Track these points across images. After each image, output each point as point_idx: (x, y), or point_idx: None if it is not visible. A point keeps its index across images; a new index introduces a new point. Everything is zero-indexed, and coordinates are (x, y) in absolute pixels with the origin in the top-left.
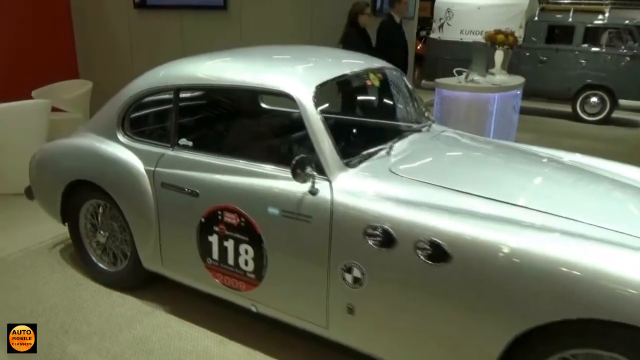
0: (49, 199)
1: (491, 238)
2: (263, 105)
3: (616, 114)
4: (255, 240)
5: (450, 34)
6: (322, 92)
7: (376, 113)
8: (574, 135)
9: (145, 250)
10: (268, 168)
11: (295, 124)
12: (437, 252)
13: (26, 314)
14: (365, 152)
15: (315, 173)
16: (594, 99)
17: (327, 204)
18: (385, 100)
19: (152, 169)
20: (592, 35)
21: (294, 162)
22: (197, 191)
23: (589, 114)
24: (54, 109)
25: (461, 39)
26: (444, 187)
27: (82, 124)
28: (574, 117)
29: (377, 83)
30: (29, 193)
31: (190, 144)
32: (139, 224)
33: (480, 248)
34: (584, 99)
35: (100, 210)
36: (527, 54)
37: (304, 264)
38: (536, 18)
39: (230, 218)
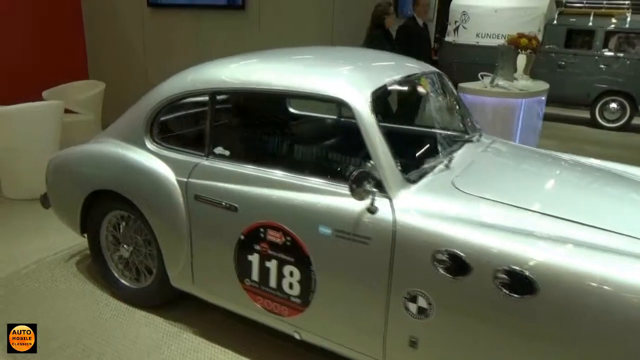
0: (68, 209)
1: (588, 268)
2: (292, 109)
3: (636, 121)
4: (303, 262)
5: (465, 37)
6: (377, 99)
7: (424, 121)
8: (595, 142)
9: (175, 268)
10: (319, 182)
11: (347, 133)
12: (521, 282)
13: (44, 335)
14: (424, 166)
15: (375, 189)
16: (613, 105)
17: (389, 225)
18: (434, 107)
19: (185, 179)
20: (613, 39)
21: (352, 177)
22: (236, 206)
23: (608, 120)
24: (66, 111)
25: (477, 42)
26: (519, 207)
27: (104, 130)
28: (593, 123)
29: (428, 88)
30: (44, 201)
31: (227, 152)
32: (168, 240)
33: (575, 279)
34: (603, 105)
35: (123, 222)
36: (545, 58)
37: (359, 290)
38: (555, 22)
39: (274, 236)
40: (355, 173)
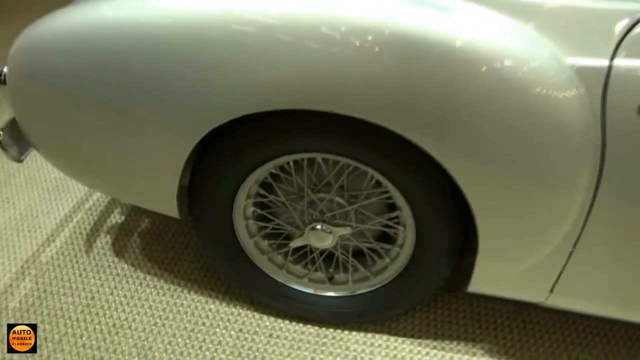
0: (133, 167)
1: None
2: None
3: None
4: None
5: None
6: None
7: None
8: None
9: (511, 263)
10: None
11: None
12: None
13: None
14: None
15: None
16: None
17: None
18: None
19: (605, 63)
20: None
21: None
22: None
23: None
24: None
25: None
26: None
27: None
28: None
29: None
30: (10, 141)
31: None
32: (517, 211)
33: None
34: None
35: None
36: None
37: None
38: None
39: None
40: None
